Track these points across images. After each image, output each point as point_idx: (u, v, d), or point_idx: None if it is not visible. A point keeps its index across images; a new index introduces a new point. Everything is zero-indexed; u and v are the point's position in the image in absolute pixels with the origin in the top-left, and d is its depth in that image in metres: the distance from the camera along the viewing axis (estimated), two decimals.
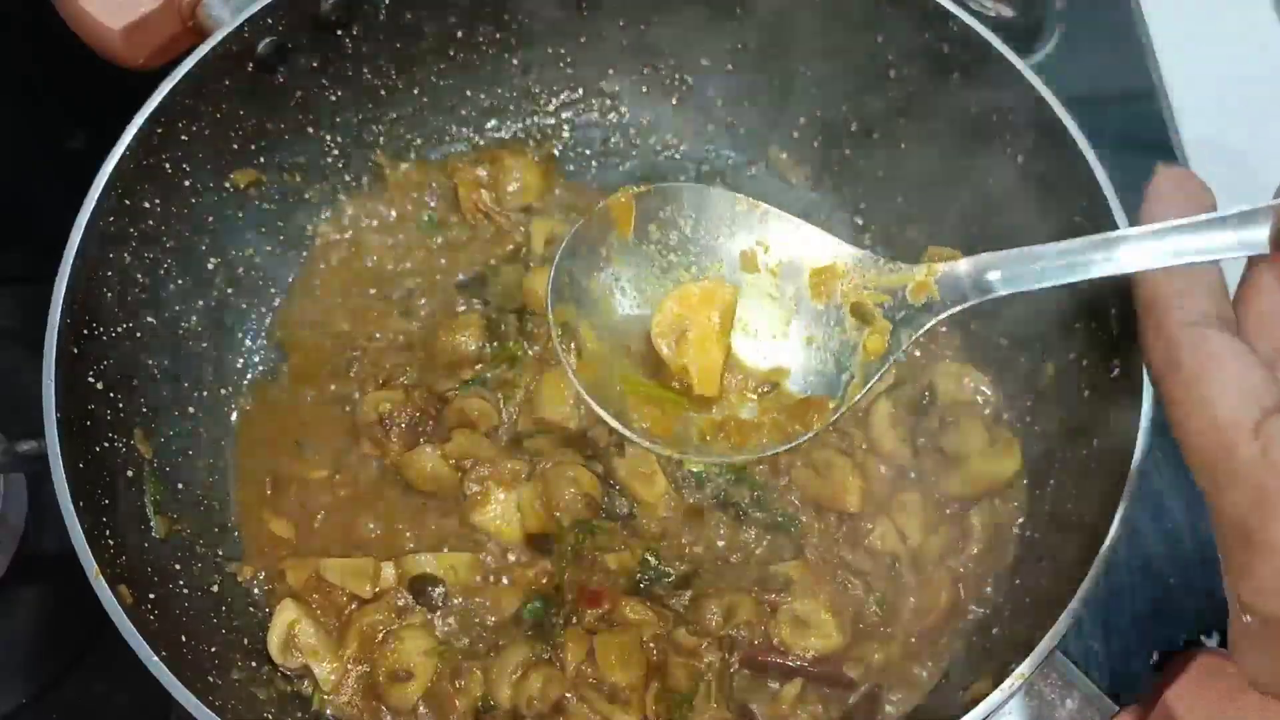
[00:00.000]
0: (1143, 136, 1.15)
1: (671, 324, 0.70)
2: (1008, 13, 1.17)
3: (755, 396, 0.71)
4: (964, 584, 0.88)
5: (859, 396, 0.68)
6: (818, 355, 0.70)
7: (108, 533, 0.78)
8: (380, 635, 0.86)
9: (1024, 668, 0.71)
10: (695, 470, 0.88)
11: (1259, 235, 0.55)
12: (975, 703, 0.71)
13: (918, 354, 0.97)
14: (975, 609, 0.87)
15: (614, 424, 0.67)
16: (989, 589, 0.88)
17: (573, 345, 0.68)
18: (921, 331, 0.66)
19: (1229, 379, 0.52)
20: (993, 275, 0.63)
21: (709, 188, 0.71)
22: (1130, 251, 0.59)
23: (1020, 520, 0.90)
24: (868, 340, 0.68)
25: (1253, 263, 0.57)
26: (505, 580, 0.88)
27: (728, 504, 0.87)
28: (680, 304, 0.70)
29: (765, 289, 0.71)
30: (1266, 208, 0.55)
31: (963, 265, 0.65)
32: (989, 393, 0.94)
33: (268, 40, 0.90)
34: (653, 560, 0.85)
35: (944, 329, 0.98)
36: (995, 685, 0.71)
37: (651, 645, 0.82)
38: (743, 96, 1.05)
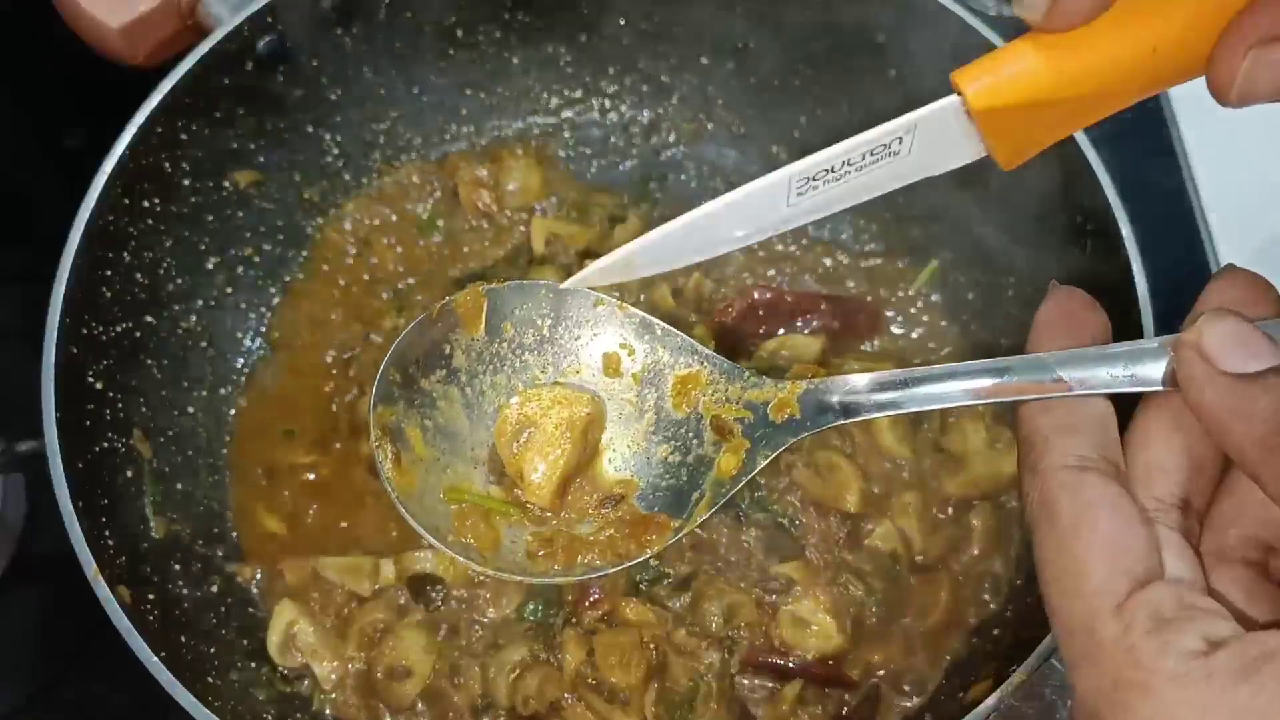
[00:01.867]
0: (1143, 136, 1.15)
1: (515, 425, 0.65)
2: (1009, 12, 1.17)
3: (594, 511, 0.65)
4: (964, 585, 0.88)
5: (703, 518, 0.63)
6: (671, 470, 0.65)
7: (107, 533, 0.78)
8: (378, 633, 0.86)
9: (1024, 669, 0.71)
10: None
11: (1152, 371, 0.50)
12: (975, 703, 0.71)
13: (922, 347, 0.97)
14: (976, 609, 0.87)
15: (427, 537, 0.62)
16: (989, 590, 0.88)
17: (391, 450, 0.63)
18: (778, 452, 0.61)
19: (1101, 539, 0.46)
20: (861, 397, 0.58)
21: (569, 288, 0.62)
22: (1010, 381, 0.53)
23: (1021, 520, 0.90)
24: (722, 459, 0.63)
25: (1145, 404, 0.52)
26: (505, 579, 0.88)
27: (728, 504, 0.87)
28: (525, 405, 0.65)
29: (626, 395, 0.66)
30: (1161, 343, 0.50)
31: (829, 384, 0.60)
32: None
33: (267, 39, 0.90)
34: (653, 561, 0.85)
35: (948, 325, 0.98)
36: (995, 686, 0.71)
37: (651, 646, 0.82)
38: (743, 96, 1.05)
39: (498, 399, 0.66)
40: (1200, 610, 0.45)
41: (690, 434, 0.65)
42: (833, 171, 0.52)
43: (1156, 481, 0.50)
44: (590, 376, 0.66)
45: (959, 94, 0.48)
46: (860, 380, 0.58)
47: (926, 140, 0.51)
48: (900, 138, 0.50)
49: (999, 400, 0.53)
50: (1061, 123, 0.49)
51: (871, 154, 0.51)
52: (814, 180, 0.52)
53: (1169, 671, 0.42)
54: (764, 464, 0.61)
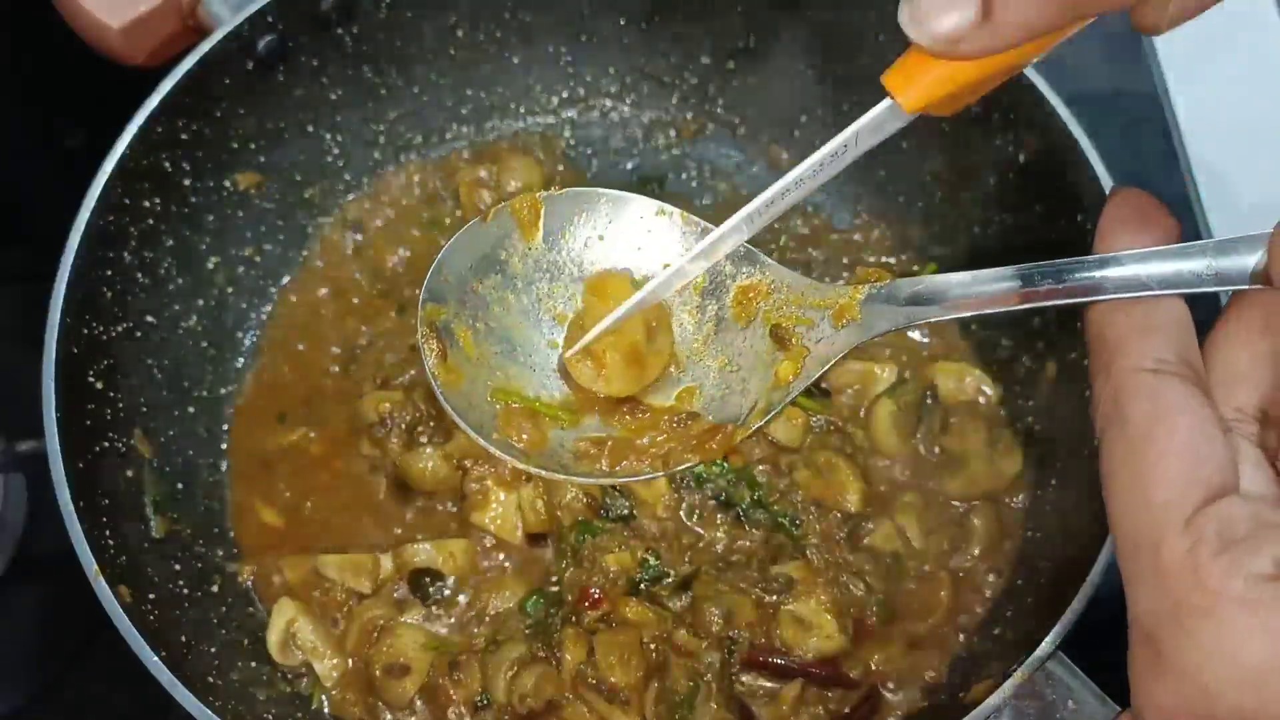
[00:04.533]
0: (1143, 137, 1.15)
1: (592, 313, 0.64)
2: None
3: (665, 426, 0.65)
4: (965, 584, 0.88)
5: (758, 426, 0.62)
6: (729, 379, 0.65)
7: (108, 533, 0.78)
8: (377, 630, 0.86)
9: (1025, 668, 0.71)
10: (696, 470, 0.88)
11: (1239, 266, 0.46)
12: (976, 703, 0.71)
13: (923, 346, 0.97)
14: (976, 609, 0.87)
15: (470, 433, 0.62)
16: (990, 590, 0.88)
17: (437, 346, 0.63)
18: (833, 361, 0.60)
19: (1176, 447, 0.43)
20: (924, 300, 0.57)
21: (630, 195, 0.63)
22: (1085, 278, 0.50)
23: (1021, 521, 0.90)
24: (780, 366, 0.63)
25: (1229, 305, 0.49)
26: (505, 576, 0.88)
27: (728, 505, 0.87)
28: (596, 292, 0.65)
29: (687, 306, 0.66)
30: (1250, 237, 0.47)
31: (892, 287, 0.59)
32: (990, 393, 0.94)
33: (268, 38, 0.90)
34: (653, 561, 0.85)
35: (948, 325, 0.98)
36: (996, 686, 0.71)
37: (651, 646, 0.82)
38: (743, 95, 1.05)
39: (555, 306, 0.66)
40: (1277, 528, 0.41)
41: (749, 344, 0.64)
42: (791, 190, 0.56)
43: (1236, 389, 0.47)
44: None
45: (891, 96, 0.50)
46: (923, 284, 0.58)
47: (865, 135, 0.54)
48: (846, 144, 0.54)
49: (1066, 302, 0.51)
50: (982, 90, 0.51)
51: (822, 166, 0.55)
52: (773, 204, 0.56)
53: (1237, 595, 0.40)
54: (820, 372, 0.61)
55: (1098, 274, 0.49)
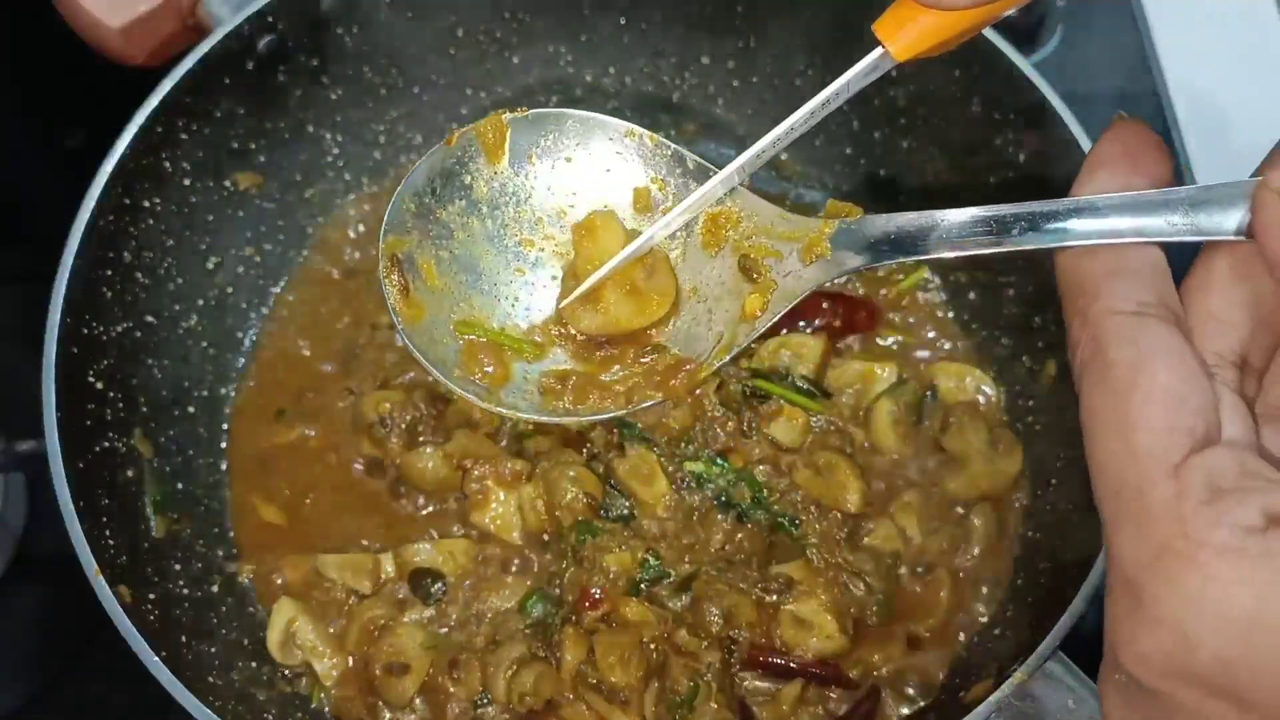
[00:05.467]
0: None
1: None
2: (1010, 11, 1.17)
3: (631, 360, 0.63)
4: (965, 584, 0.88)
5: (722, 363, 0.60)
6: (697, 309, 0.62)
7: (108, 533, 0.78)
8: (377, 630, 0.86)
9: (1024, 668, 0.71)
10: (696, 470, 0.87)
11: (1221, 220, 0.45)
12: (976, 703, 0.71)
13: (923, 346, 0.97)
14: (976, 609, 0.87)
15: (431, 370, 0.60)
16: (990, 589, 0.88)
17: (399, 281, 0.61)
18: (803, 295, 0.58)
19: (1160, 392, 0.42)
20: (895, 238, 0.55)
21: (598, 115, 0.61)
22: (1058, 224, 0.49)
23: (1021, 520, 0.90)
24: (747, 300, 0.60)
25: (1209, 248, 0.47)
26: (505, 575, 0.88)
27: (728, 505, 0.87)
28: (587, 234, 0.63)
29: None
30: (1229, 185, 0.45)
31: (863, 224, 0.57)
32: (990, 393, 0.94)
33: (268, 38, 0.90)
34: (653, 561, 0.85)
35: (949, 324, 0.98)
36: (996, 686, 0.71)
37: (651, 646, 0.82)
38: (744, 95, 1.05)
39: (521, 232, 0.64)
40: (1264, 480, 0.41)
41: (717, 273, 0.62)
42: (786, 135, 0.57)
43: (1215, 334, 0.46)
44: (619, 212, 0.64)
45: (882, 44, 0.51)
46: (891, 221, 0.56)
47: (855, 81, 0.54)
48: (838, 92, 0.55)
49: (1039, 246, 0.50)
50: (970, 34, 0.51)
51: (813, 114, 0.56)
52: (764, 153, 0.58)
53: (1221, 545, 0.39)
54: (787, 307, 0.59)
55: (1072, 221, 0.48)
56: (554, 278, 0.64)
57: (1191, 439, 0.42)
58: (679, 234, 0.63)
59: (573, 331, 0.63)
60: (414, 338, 0.61)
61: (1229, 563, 0.39)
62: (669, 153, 0.63)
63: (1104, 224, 0.47)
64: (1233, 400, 0.44)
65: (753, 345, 0.94)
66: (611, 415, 0.62)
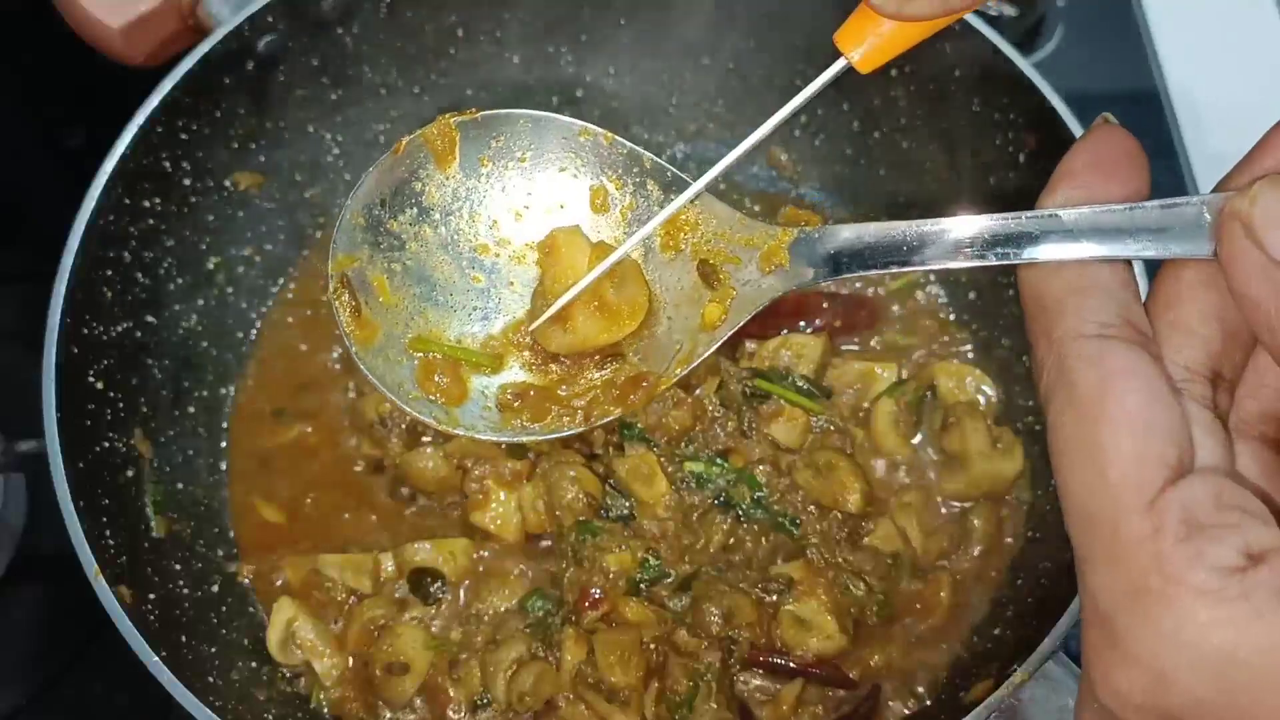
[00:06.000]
0: (1143, 136, 1.15)
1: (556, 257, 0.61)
2: (1010, 11, 1.17)
3: (592, 366, 0.61)
4: (965, 584, 0.88)
5: (682, 373, 0.59)
6: (658, 318, 0.61)
7: (108, 533, 0.78)
8: (377, 629, 0.86)
9: (1025, 668, 0.71)
10: (696, 470, 0.87)
11: (1189, 246, 0.44)
12: (976, 703, 0.71)
13: (923, 346, 0.97)
14: (976, 609, 0.87)
15: (387, 394, 0.59)
16: (990, 589, 0.88)
17: (350, 301, 0.59)
18: (763, 305, 0.57)
19: (1128, 418, 0.40)
20: (856, 250, 0.54)
21: (551, 115, 0.59)
22: (1019, 240, 0.48)
23: (1021, 521, 0.90)
24: (707, 309, 0.59)
25: (1174, 261, 0.46)
26: (505, 575, 0.88)
27: (728, 505, 0.87)
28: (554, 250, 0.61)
29: (613, 234, 0.62)
30: (1197, 200, 0.44)
31: (821, 234, 0.55)
32: (991, 393, 0.94)
33: (268, 39, 0.90)
34: (653, 561, 0.85)
35: (949, 324, 0.98)
36: (996, 686, 0.71)
37: (651, 646, 0.82)
38: (743, 96, 1.05)
39: (476, 238, 0.62)
40: (1241, 513, 0.39)
41: (676, 278, 0.60)
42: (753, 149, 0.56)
43: (1185, 346, 0.44)
44: (576, 213, 0.62)
45: (844, 56, 0.52)
46: (851, 233, 0.54)
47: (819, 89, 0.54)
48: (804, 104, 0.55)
49: (1002, 264, 0.49)
50: (928, 35, 0.51)
51: (778, 126, 0.56)
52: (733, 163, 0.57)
53: (1199, 585, 0.38)
54: (747, 317, 0.57)
55: (1033, 237, 0.47)
56: (510, 284, 0.62)
57: (1165, 469, 0.40)
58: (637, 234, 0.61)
59: (532, 342, 0.62)
60: (368, 359, 0.60)
61: (1206, 604, 0.38)
62: (624, 151, 0.61)
63: (1067, 240, 0.46)
64: (1206, 418, 0.43)
65: (753, 345, 0.95)
66: (571, 433, 0.60)
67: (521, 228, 0.62)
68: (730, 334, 0.58)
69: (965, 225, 0.50)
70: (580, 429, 0.60)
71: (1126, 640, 0.39)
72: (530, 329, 0.62)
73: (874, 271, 0.54)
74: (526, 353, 0.62)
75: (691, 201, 0.59)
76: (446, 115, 0.60)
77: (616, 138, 0.61)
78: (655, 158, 0.61)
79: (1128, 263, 0.45)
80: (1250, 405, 0.45)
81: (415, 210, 0.61)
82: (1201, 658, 0.38)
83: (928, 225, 0.52)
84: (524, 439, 0.62)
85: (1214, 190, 0.45)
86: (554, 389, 0.61)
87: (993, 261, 0.49)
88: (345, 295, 0.60)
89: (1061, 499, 0.43)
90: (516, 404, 0.61)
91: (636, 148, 0.61)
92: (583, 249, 0.61)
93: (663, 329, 0.61)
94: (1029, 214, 0.48)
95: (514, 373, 0.62)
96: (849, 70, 0.51)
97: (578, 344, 0.60)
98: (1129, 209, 0.45)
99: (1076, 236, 0.46)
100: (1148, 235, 0.44)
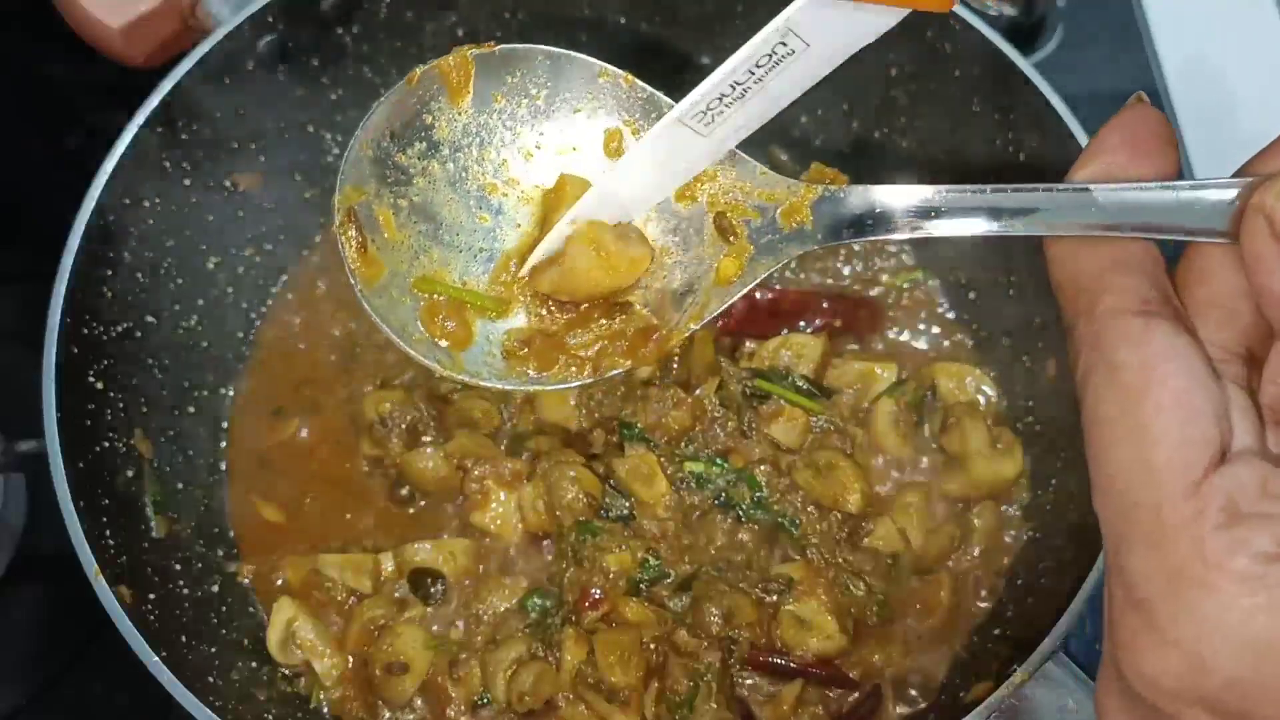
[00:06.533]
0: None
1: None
2: (1010, 11, 1.17)
3: (597, 317, 0.59)
4: (965, 584, 0.88)
5: (694, 328, 0.57)
6: (667, 269, 0.59)
7: (108, 533, 0.78)
8: (377, 629, 0.86)
9: (1025, 668, 0.71)
10: (696, 470, 0.87)
11: (1217, 219, 0.43)
12: (976, 703, 0.71)
13: (923, 346, 0.97)
14: (976, 609, 0.87)
15: (390, 334, 0.58)
16: (990, 589, 0.88)
17: (356, 236, 0.58)
18: (781, 264, 0.55)
19: (1172, 400, 0.40)
20: (881, 213, 0.52)
21: (570, 53, 0.57)
22: (1049, 214, 0.47)
23: (1021, 520, 0.90)
24: (723, 263, 0.57)
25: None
26: (505, 575, 0.88)
27: (728, 505, 0.87)
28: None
29: None
30: (1229, 181, 0.43)
31: (847, 194, 0.54)
32: (991, 392, 0.94)
33: (268, 38, 0.90)
34: (653, 561, 0.85)
35: (949, 324, 0.98)
36: (996, 686, 0.71)
37: (651, 646, 0.82)
38: None
39: (484, 176, 0.60)
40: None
41: (692, 230, 0.58)
42: (730, 93, 0.52)
43: (1220, 324, 0.43)
44: (588, 156, 0.60)
45: None
46: (881, 195, 0.52)
47: (819, 30, 0.49)
48: (784, 40, 0.49)
49: (1033, 234, 0.48)
50: None
51: (760, 65, 0.50)
52: (712, 109, 0.53)
53: (1239, 573, 0.38)
54: (764, 275, 0.56)
55: (1065, 208, 0.46)
56: (518, 225, 0.61)
57: (1209, 452, 0.40)
58: None
59: (535, 291, 0.60)
60: (372, 299, 0.58)
61: (1248, 589, 0.38)
62: (644, 95, 0.60)
63: (1100, 215, 0.45)
64: (1243, 401, 0.43)
65: (753, 345, 0.94)
66: (579, 384, 0.59)
67: (531, 169, 0.61)
68: (746, 289, 0.56)
69: (996, 194, 0.49)
70: (589, 380, 0.58)
71: (1165, 623, 0.39)
72: (521, 273, 0.60)
73: (897, 236, 0.52)
74: (534, 300, 0.60)
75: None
76: (464, 47, 0.58)
77: (636, 80, 0.59)
78: (675, 104, 0.58)
79: (1153, 243, 0.45)
80: (1272, 390, 0.44)
81: (424, 144, 0.60)
82: (1243, 643, 0.38)
83: (956, 190, 0.50)
84: (531, 388, 0.60)
85: (1241, 169, 0.44)
86: (561, 337, 0.59)
87: (1021, 231, 0.48)
88: (351, 230, 0.58)
89: (1095, 479, 0.42)
90: (522, 351, 0.59)
91: (657, 92, 0.59)
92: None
93: (675, 281, 0.59)
94: (1060, 186, 0.47)
95: (520, 319, 0.60)
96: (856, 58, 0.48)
97: (570, 287, 0.58)
98: (1162, 187, 0.45)
99: (1110, 212, 0.45)
100: (1181, 213, 0.44)
